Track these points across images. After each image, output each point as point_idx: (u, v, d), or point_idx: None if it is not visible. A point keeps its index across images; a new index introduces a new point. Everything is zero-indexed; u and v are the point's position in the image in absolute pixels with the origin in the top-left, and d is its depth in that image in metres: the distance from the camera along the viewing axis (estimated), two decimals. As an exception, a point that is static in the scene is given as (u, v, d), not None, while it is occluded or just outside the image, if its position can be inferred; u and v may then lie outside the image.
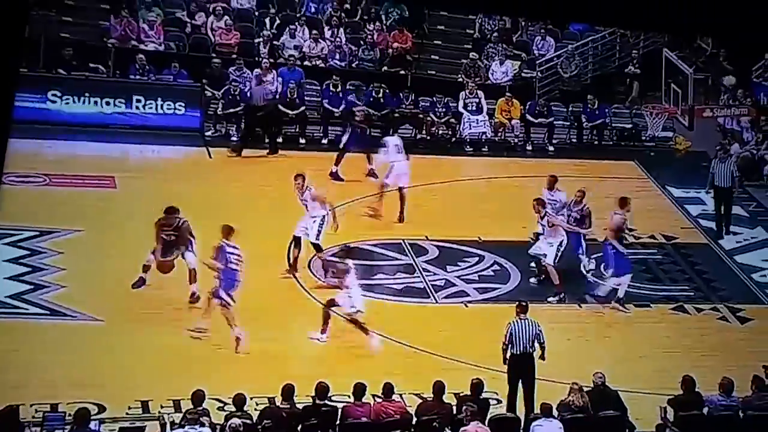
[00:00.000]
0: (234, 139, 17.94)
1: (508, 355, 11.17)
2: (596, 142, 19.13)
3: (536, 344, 11.25)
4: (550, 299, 13.60)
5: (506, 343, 11.18)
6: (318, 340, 12.27)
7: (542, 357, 11.30)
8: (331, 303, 12.39)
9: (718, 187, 15.81)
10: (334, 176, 16.26)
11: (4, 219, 13.58)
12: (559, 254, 13.63)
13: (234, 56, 18.78)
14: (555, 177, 14.67)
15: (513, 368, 11.16)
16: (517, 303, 11.79)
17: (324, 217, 13.43)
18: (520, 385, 11.13)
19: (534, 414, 10.42)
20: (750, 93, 19.38)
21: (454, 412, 10.48)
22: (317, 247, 13.59)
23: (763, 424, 10.51)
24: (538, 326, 11.36)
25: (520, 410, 11.00)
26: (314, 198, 13.36)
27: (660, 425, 10.53)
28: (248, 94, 18.03)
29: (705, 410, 10.77)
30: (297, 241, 13.51)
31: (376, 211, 15.15)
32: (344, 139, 16.68)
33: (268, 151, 17.29)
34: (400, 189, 15.12)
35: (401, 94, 18.62)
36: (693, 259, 15.35)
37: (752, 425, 10.53)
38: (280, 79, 18.46)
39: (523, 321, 11.29)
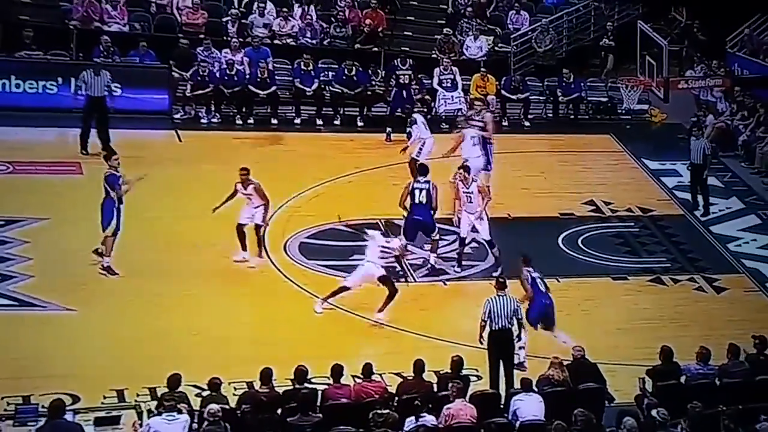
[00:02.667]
0: (204, 121, 17.92)
1: (487, 331, 11.33)
2: (572, 117, 19.33)
3: (514, 320, 11.40)
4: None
5: (485, 319, 11.33)
6: (317, 309, 12.60)
7: (519, 336, 11.46)
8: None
9: (692, 163, 16.08)
10: (389, 138, 16.60)
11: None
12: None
13: (201, 36, 18.72)
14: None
15: (493, 345, 11.32)
16: (495, 279, 11.95)
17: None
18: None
19: (514, 389, 10.56)
20: (724, 64, 19.59)
21: (435, 389, 10.60)
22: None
23: (738, 391, 10.73)
24: (517, 302, 11.53)
25: (501, 387, 11.16)
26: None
27: (639, 396, 10.72)
28: (217, 74, 17.99)
29: (683, 379, 10.98)
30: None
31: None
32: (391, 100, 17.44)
33: None
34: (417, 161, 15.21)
35: (369, 71, 18.55)
36: (669, 230, 15.60)
37: (728, 392, 10.74)
38: (247, 59, 18.43)
39: (501, 297, 11.45)
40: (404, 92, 18.10)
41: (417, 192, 13.61)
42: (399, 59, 18.39)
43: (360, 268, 12.70)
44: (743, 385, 10.86)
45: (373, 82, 18.61)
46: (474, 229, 13.72)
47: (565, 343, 11.70)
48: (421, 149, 15.31)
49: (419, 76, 18.65)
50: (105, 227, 12.97)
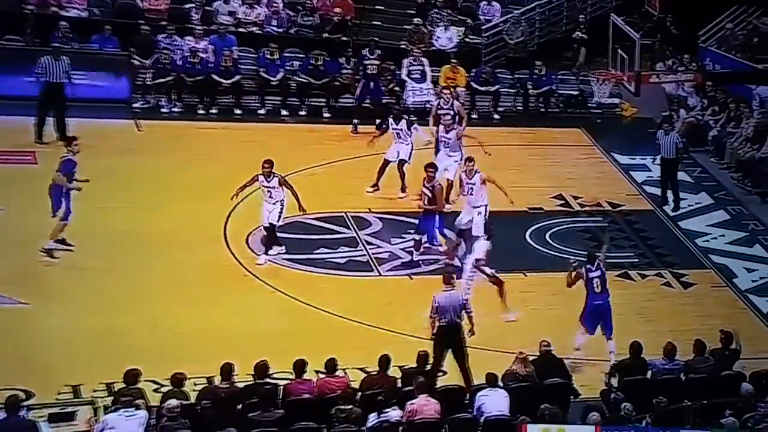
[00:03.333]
0: (164, 110, 17.89)
1: (436, 326, 11.45)
2: (542, 110, 19.49)
3: (463, 315, 11.54)
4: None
5: (433, 315, 11.48)
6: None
7: (471, 330, 11.58)
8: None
9: (663, 158, 16.31)
10: (355, 129, 16.87)
11: None
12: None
13: (164, 23, 18.64)
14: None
15: (441, 340, 11.46)
16: (442, 275, 12.10)
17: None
18: (449, 355, 11.40)
19: (478, 384, 10.70)
20: (696, 58, 19.85)
21: (399, 385, 10.71)
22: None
23: (704, 386, 10.95)
24: (464, 297, 11.69)
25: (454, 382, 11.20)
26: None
27: (605, 391, 10.90)
28: (179, 62, 17.99)
29: (649, 374, 11.18)
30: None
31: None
32: (357, 92, 17.52)
33: None
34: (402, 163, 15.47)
35: (340, 60, 18.61)
36: (638, 225, 15.85)
37: (694, 388, 10.96)
38: (211, 47, 18.41)
39: (448, 293, 11.58)
40: (372, 83, 18.19)
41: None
42: (367, 49, 18.46)
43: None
44: (708, 380, 11.08)
45: (342, 72, 18.64)
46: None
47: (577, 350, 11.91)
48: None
49: (390, 65, 18.70)
50: (55, 211, 13.03)
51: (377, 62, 18.29)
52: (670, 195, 16.33)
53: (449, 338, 11.44)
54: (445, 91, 16.66)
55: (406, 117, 15.71)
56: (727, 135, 18.23)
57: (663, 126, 16.85)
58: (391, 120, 15.69)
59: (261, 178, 13.59)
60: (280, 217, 13.68)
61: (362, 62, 18.34)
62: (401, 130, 15.49)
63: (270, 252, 13.76)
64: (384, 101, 18.13)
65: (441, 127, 15.55)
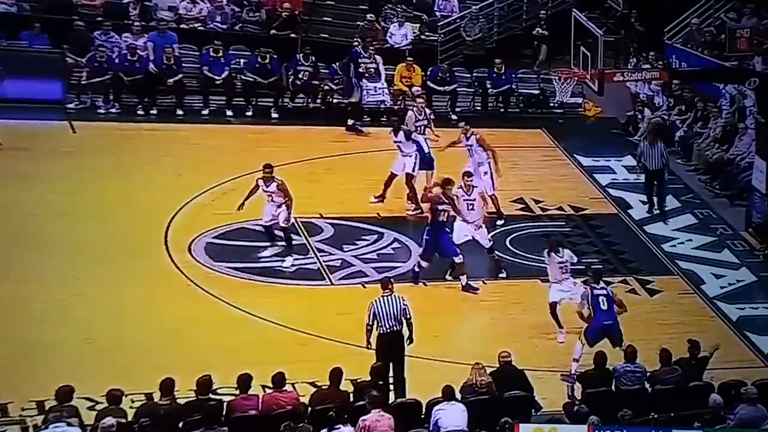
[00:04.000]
0: (101, 111, 17.73)
1: (375, 335, 11.46)
2: (502, 110, 19.63)
3: (403, 321, 11.55)
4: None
5: (369, 323, 11.48)
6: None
7: (410, 338, 11.59)
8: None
9: (647, 169, 16.37)
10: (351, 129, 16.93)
11: None
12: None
13: (100, 18, 18.49)
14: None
15: (381, 348, 11.46)
16: (380, 280, 12.12)
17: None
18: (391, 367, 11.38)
19: (434, 397, 10.69)
20: (662, 56, 20.10)
21: (352, 399, 10.69)
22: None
23: (670, 397, 11.06)
24: (404, 301, 11.67)
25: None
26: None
27: (567, 403, 10.97)
28: (116, 61, 17.84)
29: (613, 385, 11.27)
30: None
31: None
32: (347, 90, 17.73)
33: None
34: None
35: (298, 56, 18.56)
36: (602, 230, 15.99)
37: (660, 399, 11.07)
38: (151, 44, 18.29)
39: (386, 298, 11.60)
40: (364, 82, 18.20)
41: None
42: (302, 54, 18.43)
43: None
44: (675, 391, 11.19)
45: (299, 68, 18.47)
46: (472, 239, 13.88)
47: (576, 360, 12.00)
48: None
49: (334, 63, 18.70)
50: None
51: (309, 69, 18.28)
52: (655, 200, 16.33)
53: (389, 347, 11.44)
54: (419, 100, 16.62)
55: (404, 128, 15.58)
56: (695, 135, 18.46)
57: (647, 136, 16.82)
58: (390, 133, 15.74)
59: (261, 183, 13.72)
60: (289, 218, 13.83)
61: (295, 67, 18.30)
62: (401, 142, 15.43)
63: (285, 263, 13.77)
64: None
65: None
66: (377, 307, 11.50)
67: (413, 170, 15.42)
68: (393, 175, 15.51)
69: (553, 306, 12.96)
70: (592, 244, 15.55)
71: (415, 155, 15.48)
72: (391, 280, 12.05)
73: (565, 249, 13.31)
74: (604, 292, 12.30)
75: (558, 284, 13.02)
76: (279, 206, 13.75)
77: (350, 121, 18.01)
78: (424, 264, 13.72)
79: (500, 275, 14.14)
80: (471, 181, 14.07)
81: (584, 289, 12.38)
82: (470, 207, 13.87)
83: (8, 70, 16.44)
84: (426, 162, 15.53)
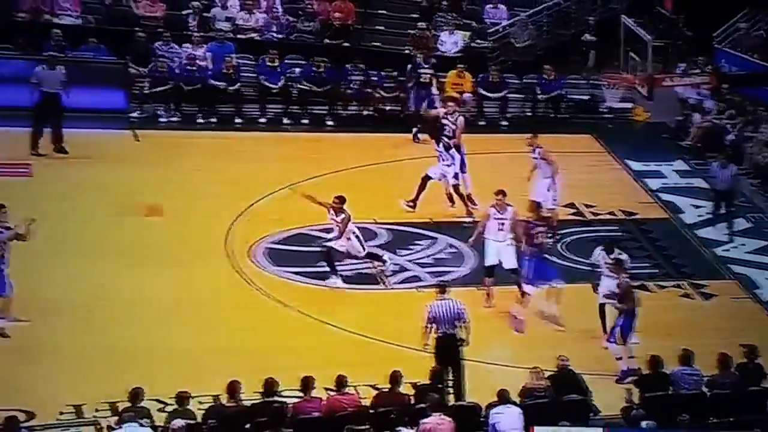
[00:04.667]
0: (162, 120, 17.92)
1: (432, 337, 11.47)
2: (552, 115, 19.51)
3: (460, 325, 11.52)
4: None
5: (427, 326, 11.49)
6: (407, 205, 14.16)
7: (466, 341, 11.56)
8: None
9: (717, 191, 16.13)
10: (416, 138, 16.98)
11: None
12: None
13: (160, 30, 18.69)
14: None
15: (438, 351, 11.47)
16: (436, 285, 12.09)
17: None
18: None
19: (492, 401, 10.67)
20: (711, 60, 19.89)
21: (412, 402, 10.70)
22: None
23: (727, 402, 10.93)
24: (460, 305, 11.65)
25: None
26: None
27: (626, 407, 10.88)
28: (176, 70, 18.02)
29: (670, 389, 11.16)
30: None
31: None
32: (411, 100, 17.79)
33: None
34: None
35: (348, 66, 18.69)
36: (653, 235, 15.83)
37: (719, 404, 10.94)
38: (210, 54, 18.45)
39: (443, 301, 11.60)
40: (423, 92, 18.15)
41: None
42: (421, 57, 18.37)
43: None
44: (734, 396, 11.05)
45: (350, 80, 18.57)
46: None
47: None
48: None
49: (394, 72, 18.71)
50: None
51: (430, 71, 18.33)
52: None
53: (446, 350, 11.44)
54: (450, 102, 16.39)
55: (445, 138, 15.45)
56: (745, 140, 18.23)
57: (720, 160, 16.50)
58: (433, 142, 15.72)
59: (331, 211, 13.54)
60: (362, 246, 13.65)
61: (415, 70, 18.30)
62: (441, 151, 15.33)
63: (329, 280, 13.64)
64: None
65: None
66: (434, 310, 11.51)
67: (456, 178, 15.26)
68: (427, 178, 15.27)
69: (601, 307, 12.83)
70: (644, 249, 15.41)
71: (454, 164, 15.31)
72: (448, 284, 12.02)
73: (622, 254, 13.10)
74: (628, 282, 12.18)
75: (606, 285, 12.83)
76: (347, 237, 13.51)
77: (413, 130, 17.93)
78: (529, 290, 13.10)
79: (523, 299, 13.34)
80: (503, 199, 13.46)
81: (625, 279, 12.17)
82: (500, 227, 13.34)
83: (74, 80, 16.61)
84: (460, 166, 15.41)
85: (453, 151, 15.26)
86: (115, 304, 12.78)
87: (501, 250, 13.34)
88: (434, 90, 18.52)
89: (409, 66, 18.62)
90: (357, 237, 13.55)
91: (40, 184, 15.30)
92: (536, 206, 13.74)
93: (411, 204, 15.29)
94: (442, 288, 11.83)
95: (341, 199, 13.49)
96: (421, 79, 18.38)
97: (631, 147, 18.43)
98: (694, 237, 15.83)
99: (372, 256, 13.87)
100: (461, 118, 15.69)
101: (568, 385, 11.08)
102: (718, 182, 16.11)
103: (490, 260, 13.42)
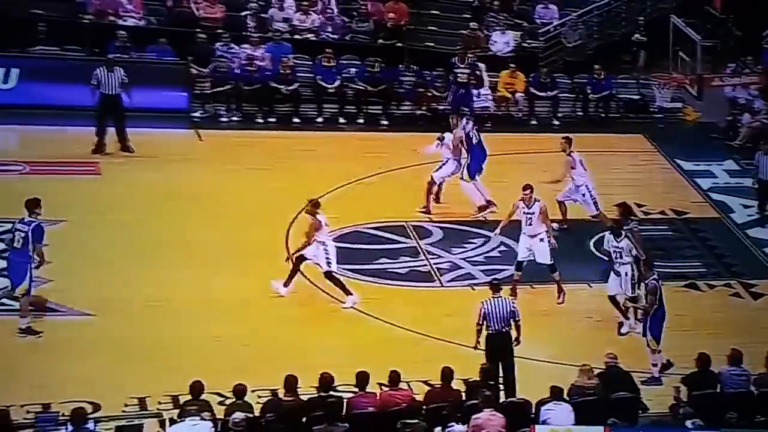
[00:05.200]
0: (224, 120, 18.08)
1: (484, 335, 11.46)
2: (603, 115, 19.33)
3: (512, 323, 11.51)
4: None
5: (479, 323, 11.48)
6: (278, 290, 12.83)
7: (517, 339, 11.53)
8: (301, 258, 12.87)
9: (762, 180, 15.92)
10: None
11: (-17, 211, 13.76)
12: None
13: (220, 31, 18.83)
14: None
15: (490, 349, 11.46)
16: (489, 282, 12.06)
17: (544, 236, 13.44)
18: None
19: (543, 398, 10.65)
20: (760, 60, 19.55)
21: (464, 398, 10.71)
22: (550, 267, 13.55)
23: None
24: (513, 304, 11.65)
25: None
26: (542, 212, 13.32)
27: (673, 405, 10.79)
28: (236, 71, 18.16)
29: (718, 388, 11.04)
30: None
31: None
32: (449, 99, 17.56)
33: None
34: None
35: (401, 66, 18.68)
36: (704, 234, 15.65)
37: (765, 402, 10.78)
38: (268, 54, 18.57)
39: (496, 300, 11.58)
40: (462, 90, 18.13)
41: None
42: (457, 57, 18.34)
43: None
44: (782, 395, 10.91)
45: (402, 80, 18.58)
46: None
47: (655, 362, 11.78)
48: (439, 168, 15.26)
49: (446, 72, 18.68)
50: (16, 285, 12.14)
51: (467, 70, 18.16)
52: None
53: (498, 348, 11.43)
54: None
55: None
56: (795, 139, 17.89)
57: (762, 148, 16.29)
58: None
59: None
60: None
61: (452, 70, 18.19)
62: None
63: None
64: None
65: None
66: (487, 308, 11.51)
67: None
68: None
69: (612, 298, 12.75)
70: (695, 248, 15.26)
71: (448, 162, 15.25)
72: (500, 284, 12.00)
73: (624, 239, 12.81)
74: (660, 282, 12.02)
75: (614, 274, 12.69)
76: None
77: None
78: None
79: (558, 300, 13.40)
80: (530, 194, 13.34)
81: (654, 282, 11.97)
82: (529, 221, 13.31)
83: (137, 81, 16.78)
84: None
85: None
86: (177, 301, 12.94)
87: (533, 245, 13.36)
88: (473, 89, 18.38)
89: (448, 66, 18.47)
90: (325, 250, 12.95)
91: (107, 183, 15.54)
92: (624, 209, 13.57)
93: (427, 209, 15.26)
94: (495, 286, 11.82)
95: (314, 204, 13.09)
96: (459, 79, 18.23)
97: (681, 147, 18.21)
98: (745, 236, 15.60)
99: (331, 278, 13.05)
100: (459, 132, 15.24)
101: (617, 383, 11.01)
102: (763, 171, 15.86)
103: (520, 255, 13.50)
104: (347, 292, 12.96)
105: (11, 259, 12.28)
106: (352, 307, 12.98)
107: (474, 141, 15.12)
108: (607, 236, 13.03)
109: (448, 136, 15.46)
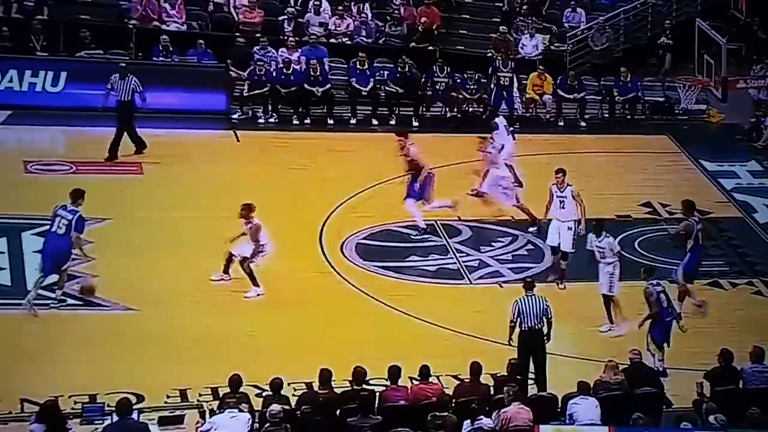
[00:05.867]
0: (261, 121, 18.19)
1: (517, 331, 11.47)
2: (629, 117, 19.23)
3: (544, 320, 11.51)
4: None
5: (513, 320, 11.49)
6: (221, 279, 12.94)
7: (548, 336, 11.53)
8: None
9: None
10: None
11: (32, 209, 13.94)
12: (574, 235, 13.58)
13: (258, 35, 18.93)
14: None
15: (523, 345, 11.47)
16: (523, 280, 12.08)
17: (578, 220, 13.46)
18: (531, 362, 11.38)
19: (570, 392, 10.65)
20: (785, 62, 19.36)
21: (492, 393, 10.74)
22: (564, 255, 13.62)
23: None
24: (546, 302, 11.64)
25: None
26: (575, 196, 13.46)
27: (697, 400, 10.74)
28: (273, 74, 18.26)
29: (741, 383, 10.98)
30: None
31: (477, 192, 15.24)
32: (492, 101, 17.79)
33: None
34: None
35: (434, 67, 18.65)
36: (727, 233, 15.53)
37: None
38: (304, 58, 18.65)
39: (529, 297, 11.58)
40: (504, 93, 18.18)
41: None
42: (500, 60, 18.39)
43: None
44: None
45: (435, 82, 18.59)
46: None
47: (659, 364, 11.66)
48: (500, 152, 15.27)
49: (477, 75, 18.68)
50: (50, 270, 12.29)
51: (510, 74, 18.34)
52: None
53: (530, 344, 11.43)
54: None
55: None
56: (817, 140, 17.74)
57: None
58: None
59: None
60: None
61: (495, 73, 18.34)
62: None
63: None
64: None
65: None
66: (521, 305, 11.51)
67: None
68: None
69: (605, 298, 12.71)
70: (719, 247, 15.13)
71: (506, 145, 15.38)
72: (533, 281, 11.99)
73: (608, 237, 12.70)
74: (660, 288, 11.91)
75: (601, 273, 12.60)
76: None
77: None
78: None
79: (559, 286, 13.50)
80: (563, 177, 13.55)
81: (648, 288, 11.90)
82: (561, 205, 13.51)
83: (179, 83, 16.98)
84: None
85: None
86: (216, 296, 13.04)
87: (561, 230, 13.44)
88: (515, 92, 18.42)
89: (490, 69, 18.55)
90: (262, 251, 12.97)
91: (150, 182, 15.70)
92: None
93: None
94: (529, 284, 11.83)
95: (248, 207, 13.00)
96: (501, 82, 18.28)
97: (705, 148, 18.09)
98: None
99: (244, 267, 12.99)
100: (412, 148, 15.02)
101: (642, 378, 10.99)
102: None
103: (550, 239, 13.59)
104: (255, 284, 12.97)
105: (51, 244, 12.35)
106: (256, 296, 12.98)
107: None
108: (590, 236, 12.95)
109: (499, 121, 15.66)
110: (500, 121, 15.88)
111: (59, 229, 12.23)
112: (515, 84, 18.62)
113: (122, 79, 16.10)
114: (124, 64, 16.74)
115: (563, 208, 13.53)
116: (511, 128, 15.94)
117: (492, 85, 18.42)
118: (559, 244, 13.55)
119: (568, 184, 13.60)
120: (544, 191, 13.89)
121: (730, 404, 10.48)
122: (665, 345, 11.97)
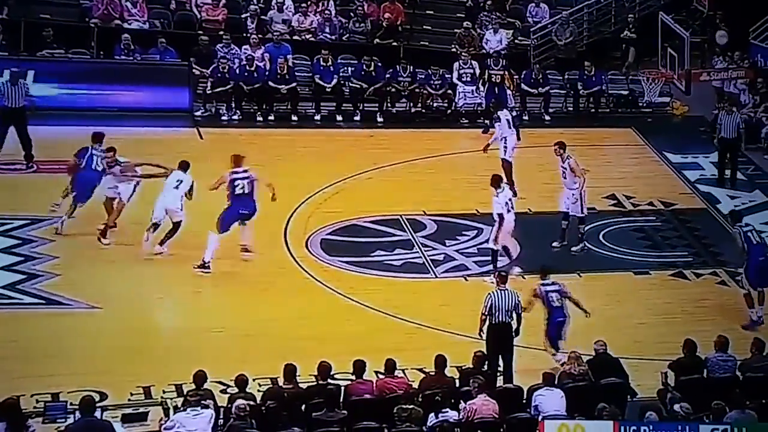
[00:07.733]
0: (224, 118, 18.15)
1: (487, 325, 11.53)
2: (593, 110, 19.39)
3: (514, 315, 11.58)
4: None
5: (485, 313, 11.54)
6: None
7: (517, 331, 11.60)
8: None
9: (723, 139, 16.29)
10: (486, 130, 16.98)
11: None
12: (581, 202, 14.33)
13: (221, 32, 18.91)
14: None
15: (492, 339, 11.53)
16: (496, 273, 12.13)
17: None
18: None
19: (535, 384, 10.73)
20: (747, 55, 19.59)
21: (457, 385, 10.79)
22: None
23: (761, 385, 10.84)
24: (518, 297, 11.71)
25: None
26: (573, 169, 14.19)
27: (661, 390, 10.85)
28: (237, 71, 18.21)
29: (705, 373, 11.10)
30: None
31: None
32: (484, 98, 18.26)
33: None
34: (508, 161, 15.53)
35: (398, 67, 18.76)
36: (691, 224, 15.71)
37: (751, 387, 10.85)
38: (267, 55, 18.63)
39: (502, 291, 11.65)
40: (496, 89, 18.31)
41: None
42: (491, 59, 18.59)
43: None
44: (767, 379, 10.95)
45: (398, 80, 18.66)
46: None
47: (558, 361, 11.63)
48: (505, 147, 15.48)
49: (441, 70, 18.76)
50: (82, 201, 13.86)
51: (501, 72, 18.55)
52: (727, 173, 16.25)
53: (499, 337, 11.50)
54: None
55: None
56: (781, 131, 17.96)
57: (724, 106, 16.61)
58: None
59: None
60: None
61: (486, 70, 18.53)
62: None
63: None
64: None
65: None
66: (495, 300, 11.56)
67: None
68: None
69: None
70: (682, 238, 15.31)
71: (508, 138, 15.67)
72: (507, 275, 12.05)
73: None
74: (554, 287, 11.95)
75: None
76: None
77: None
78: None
79: (572, 249, 14.26)
80: (560, 150, 14.30)
81: (536, 287, 11.97)
82: (564, 174, 14.22)
83: (142, 81, 16.88)
84: None
85: None
86: (179, 293, 13.03)
87: (568, 198, 14.23)
88: (506, 89, 18.54)
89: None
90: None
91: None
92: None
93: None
94: (503, 278, 11.89)
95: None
96: (493, 79, 18.50)
97: (669, 140, 18.25)
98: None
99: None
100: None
101: (606, 369, 11.07)
102: (723, 129, 16.14)
103: (561, 206, 14.41)
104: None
105: (88, 178, 13.84)
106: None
107: None
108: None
109: (502, 113, 15.91)
110: (504, 114, 15.96)
111: (96, 166, 13.84)
112: (506, 82, 18.74)
113: (14, 84, 15.65)
114: (16, 68, 16.08)
115: (565, 177, 14.31)
116: (517, 123, 16.10)
117: (482, 84, 18.60)
118: (569, 208, 14.28)
119: (568, 156, 14.28)
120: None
121: (694, 393, 10.59)
122: (560, 342, 11.90)
